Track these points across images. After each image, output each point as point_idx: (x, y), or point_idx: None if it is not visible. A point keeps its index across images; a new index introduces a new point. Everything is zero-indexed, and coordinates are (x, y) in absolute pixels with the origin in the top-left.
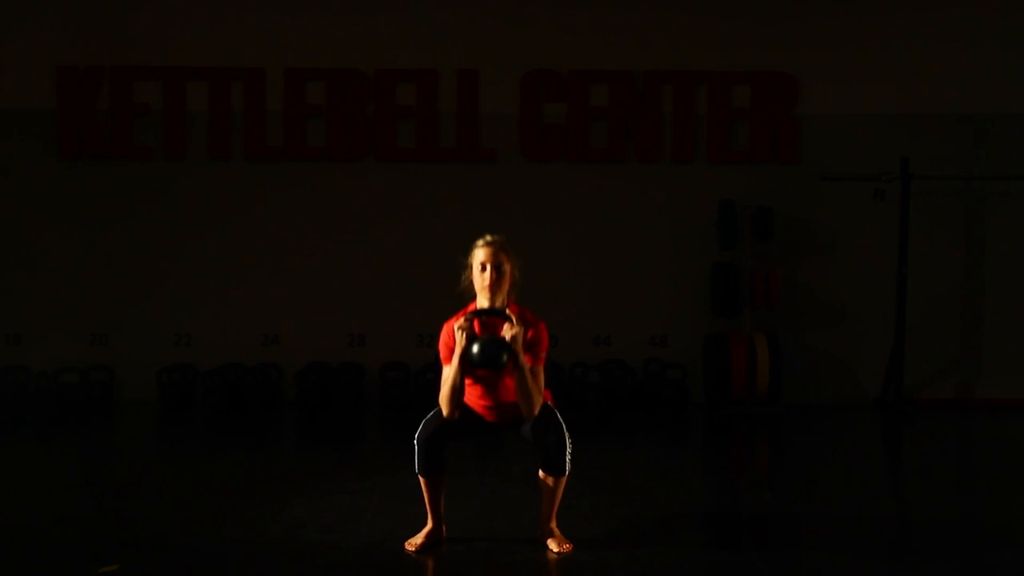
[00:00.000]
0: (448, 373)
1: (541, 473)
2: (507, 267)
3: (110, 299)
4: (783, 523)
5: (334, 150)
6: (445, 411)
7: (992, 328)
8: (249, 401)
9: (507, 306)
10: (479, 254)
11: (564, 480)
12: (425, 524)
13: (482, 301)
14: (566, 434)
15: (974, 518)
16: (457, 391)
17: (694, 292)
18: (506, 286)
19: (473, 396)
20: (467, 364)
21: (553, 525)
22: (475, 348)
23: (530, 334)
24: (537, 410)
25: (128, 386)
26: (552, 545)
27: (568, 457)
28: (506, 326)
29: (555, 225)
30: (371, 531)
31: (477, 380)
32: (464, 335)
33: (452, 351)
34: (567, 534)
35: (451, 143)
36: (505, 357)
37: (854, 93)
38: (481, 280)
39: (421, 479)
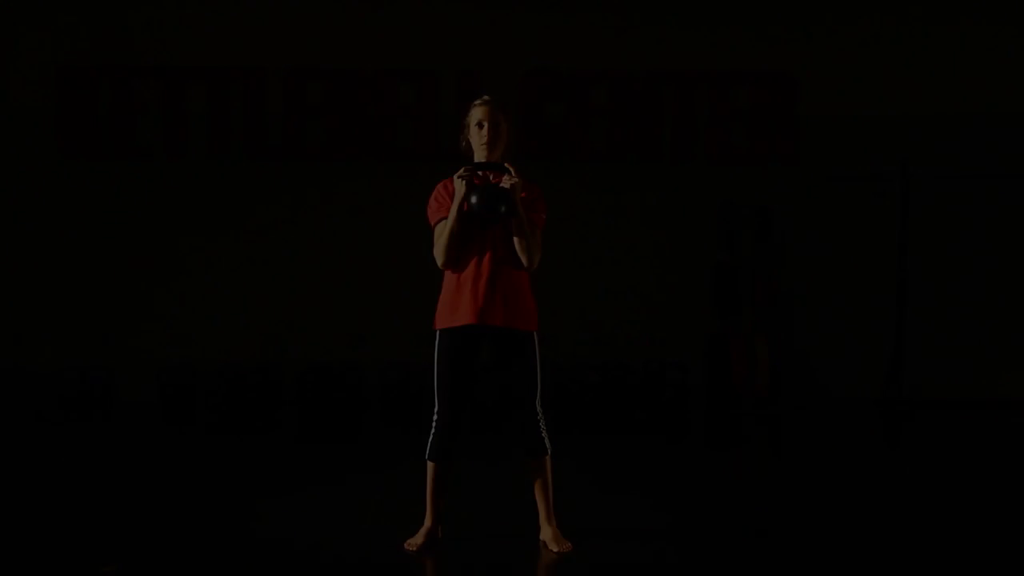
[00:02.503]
0: (443, 226)
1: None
2: (504, 125)
3: (110, 299)
4: (782, 519)
5: (334, 151)
6: (442, 260)
7: (990, 327)
8: (249, 401)
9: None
10: (476, 113)
11: (548, 461)
12: (423, 523)
13: (480, 158)
14: (538, 406)
15: (973, 511)
16: (455, 237)
17: (694, 292)
18: (502, 144)
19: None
20: (465, 214)
21: (552, 524)
22: (473, 197)
23: (526, 193)
24: (536, 262)
25: (127, 386)
26: (552, 545)
27: (544, 432)
28: (505, 177)
29: (554, 225)
30: (371, 530)
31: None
32: (464, 184)
33: (444, 208)
34: (567, 534)
35: (450, 144)
36: (503, 208)
37: (854, 93)
38: (479, 137)
39: (430, 466)
